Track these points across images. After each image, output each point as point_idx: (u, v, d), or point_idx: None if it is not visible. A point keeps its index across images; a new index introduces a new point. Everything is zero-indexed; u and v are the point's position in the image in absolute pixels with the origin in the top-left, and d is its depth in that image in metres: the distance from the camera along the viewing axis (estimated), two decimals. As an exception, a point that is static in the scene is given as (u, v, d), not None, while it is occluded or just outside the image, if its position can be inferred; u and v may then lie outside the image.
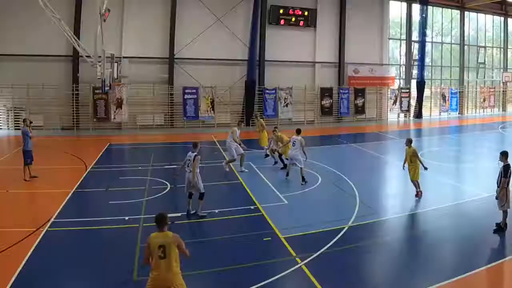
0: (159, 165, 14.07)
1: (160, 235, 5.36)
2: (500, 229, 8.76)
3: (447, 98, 32.93)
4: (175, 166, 13.04)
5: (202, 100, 24.91)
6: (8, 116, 22.76)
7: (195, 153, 9.59)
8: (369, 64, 29.87)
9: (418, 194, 11.21)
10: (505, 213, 8.77)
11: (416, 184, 11.28)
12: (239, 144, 14.05)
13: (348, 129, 26.09)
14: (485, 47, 36.63)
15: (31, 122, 13.61)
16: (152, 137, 21.56)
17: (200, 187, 9.65)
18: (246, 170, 14.00)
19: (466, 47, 34.80)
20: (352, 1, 28.80)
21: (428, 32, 31.97)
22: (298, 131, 13.07)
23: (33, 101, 22.37)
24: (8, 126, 22.73)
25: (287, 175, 13.04)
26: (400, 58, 32.68)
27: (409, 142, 11.44)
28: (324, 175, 13.60)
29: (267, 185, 12.52)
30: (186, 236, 8.60)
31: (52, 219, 9.34)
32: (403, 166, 11.54)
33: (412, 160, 11.27)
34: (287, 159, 13.52)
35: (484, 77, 37.01)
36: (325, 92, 28.21)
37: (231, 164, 14.23)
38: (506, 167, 8.67)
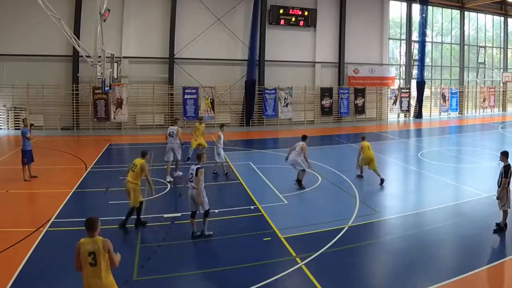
0: (159, 165, 14.04)
1: (90, 241, 4.91)
2: (500, 229, 8.77)
3: (447, 98, 32.95)
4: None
5: (202, 100, 24.91)
6: (8, 116, 22.76)
7: (199, 166, 8.36)
8: (369, 64, 29.88)
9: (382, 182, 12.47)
10: (505, 213, 8.77)
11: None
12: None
13: (348, 129, 26.09)
14: (485, 47, 36.64)
15: (32, 124, 13.59)
16: (152, 137, 21.54)
17: (205, 204, 8.42)
18: (181, 173, 13.20)
19: (466, 47, 34.81)
20: (352, 1, 28.81)
21: (428, 32, 32.00)
22: (304, 137, 12.29)
23: (33, 101, 22.39)
24: (8, 126, 22.73)
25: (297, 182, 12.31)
26: (400, 58, 32.69)
27: (362, 138, 13.08)
28: (324, 175, 13.61)
29: (267, 185, 12.51)
30: (186, 236, 8.64)
31: (52, 219, 9.35)
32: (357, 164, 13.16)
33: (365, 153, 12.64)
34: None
35: (484, 77, 37.00)
36: (325, 92, 28.22)
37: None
38: (506, 167, 8.66)
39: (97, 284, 4.89)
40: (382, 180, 12.62)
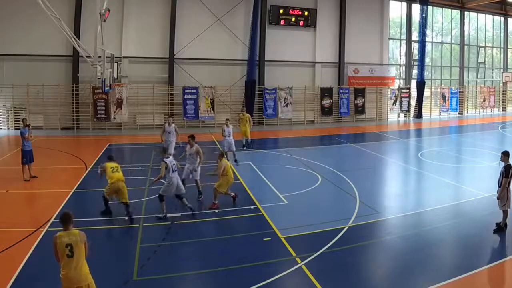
0: (159, 165, 14.03)
1: (66, 233, 5.27)
2: (500, 229, 8.76)
3: (447, 98, 32.94)
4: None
5: (202, 100, 24.91)
6: (8, 116, 22.77)
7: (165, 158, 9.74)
8: (369, 64, 29.88)
9: (214, 205, 10.37)
10: (505, 213, 8.77)
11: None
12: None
13: (348, 129, 26.09)
14: (485, 47, 36.64)
15: (27, 125, 13.21)
16: (152, 137, 21.53)
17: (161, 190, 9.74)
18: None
19: (466, 47, 34.80)
20: (352, 1, 28.81)
21: (428, 32, 31.98)
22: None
23: (33, 101, 22.39)
24: (8, 126, 22.73)
25: None
26: (400, 58, 32.68)
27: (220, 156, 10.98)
28: (324, 175, 13.60)
29: (267, 185, 12.51)
30: (186, 236, 8.65)
31: (52, 219, 9.34)
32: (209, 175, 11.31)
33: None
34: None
35: (484, 77, 36.99)
36: (325, 92, 28.21)
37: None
38: (507, 167, 8.66)
39: (74, 274, 5.20)
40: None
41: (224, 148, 15.46)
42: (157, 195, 9.86)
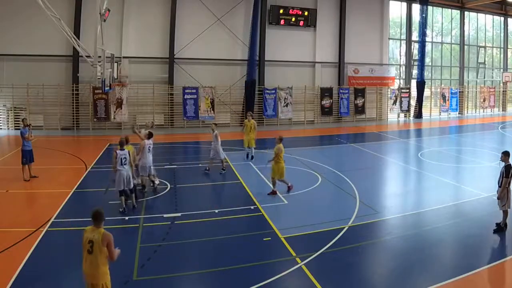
0: (159, 165, 14.04)
1: (92, 229, 5.34)
2: (500, 229, 8.77)
3: (447, 98, 32.94)
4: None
5: (202, 100, 24.90)
6: (8, 116, 22.77)
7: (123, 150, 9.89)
8: (369, 64, 29.88)
9: (274, 192, 11.43)
10: (505, 213, 8.77)
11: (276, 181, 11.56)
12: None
13: (348, 129, 26.09)
14: (485, 47, 36.64)
15: (28, 125, 13.14)
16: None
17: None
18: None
19: (466, 47, 34.80)
20: (352, 1, 28.81)
21: (428, 32, 31.98)
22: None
23: (33, 101, 22.38)
24: (8, 126, 22.73)
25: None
26: (400, 58, 32.68)
27: (279, 139, 11.67)
28: (324, 175, 13.61)
29: (267, 185, 12.51)
30: (186, 236, 8.65)
31: (52, 219, 9.35)
32: (268, 162, 11.91)
33: (276, 158, 11.43)
34: None
35: (484, 77, 37.00)
36: (325, 92, 28.21)
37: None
38: (507, 167, 8.66)
39: (91, 271, 5.23)
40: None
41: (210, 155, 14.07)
42: (156, 195, 9.87)
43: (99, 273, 5.24)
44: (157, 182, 11.84)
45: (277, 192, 11.43)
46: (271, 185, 11.67)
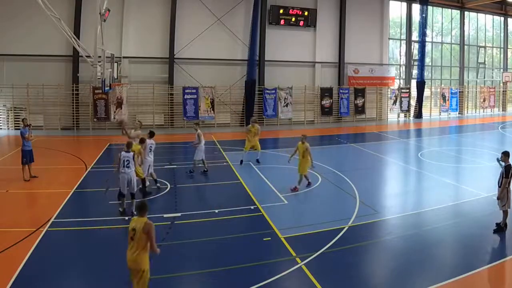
0: (159, 165, 14.04)
1: (137, 219, 5.77)
2: (500, 229, 8.77)
3: (447, 98, 32.94)
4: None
5: (202, 100, 24.90)
6: (8, 116, 22.77)
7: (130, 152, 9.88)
8: (369, 64, 29.88)
9: (296, 189, 11.81)
10: (505, 213, 8.77)
11: (302, 178, 12.03)
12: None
13: (348, 129, 26.10)
14: (485, 47, 36.64)
15: (28, 125, 13.11)
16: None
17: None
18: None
19: (466, 47, 34.80)
20: (352, 1, 28.81)
21: (428, 32, 31.98)
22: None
23: (33, 101, 22.38)
24: (8, 126, 22.73)
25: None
26: (400, 58, 32.68)
27: (304, 138, 12.09)
28: (324, 175, 13.61)
29: (267, 185, 12.51)
30: (186, 236, 8.64)
31: (52, 219, 9.34)
32: (289, 159, 12.50)
33: (304, 155, 11.92)
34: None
35: (484, 77, 37.00)
36: (325, 92, 28.21)
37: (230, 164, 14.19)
38: (507, 168, 8.66)
39: (132, 257, 5.65)
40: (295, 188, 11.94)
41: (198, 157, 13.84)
42: (159, 194, 9.88)
43: (139, 259, 5.60)
44: (147, 183, 11.71)
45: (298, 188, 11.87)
46: (296, 183, 11.97)
